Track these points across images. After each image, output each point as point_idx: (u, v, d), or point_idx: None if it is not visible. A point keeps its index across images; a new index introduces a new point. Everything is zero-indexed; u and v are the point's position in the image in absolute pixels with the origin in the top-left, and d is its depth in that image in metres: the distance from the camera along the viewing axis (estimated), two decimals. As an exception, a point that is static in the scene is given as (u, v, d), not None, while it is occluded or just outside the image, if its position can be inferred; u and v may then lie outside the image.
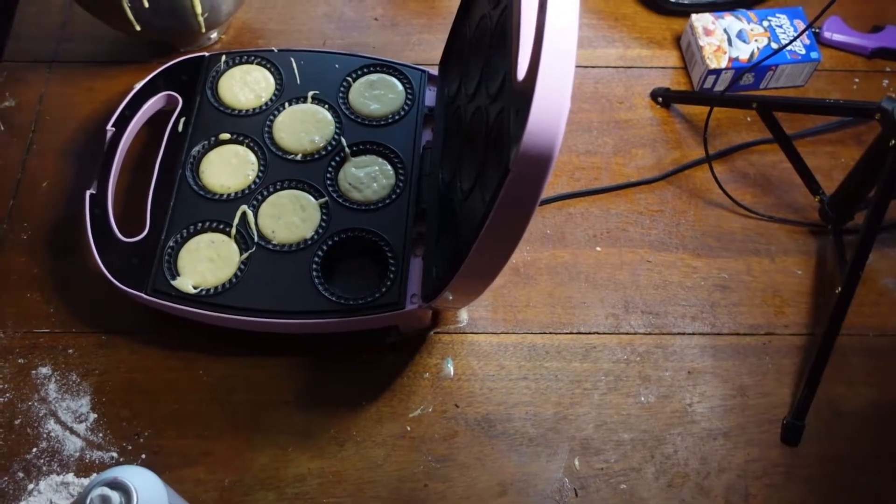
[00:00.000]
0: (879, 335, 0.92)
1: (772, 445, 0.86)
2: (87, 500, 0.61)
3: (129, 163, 0.97)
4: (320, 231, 0.89)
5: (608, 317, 0.93)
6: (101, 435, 0.85)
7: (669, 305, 0.94)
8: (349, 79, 0.99)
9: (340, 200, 0.91)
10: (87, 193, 0.89)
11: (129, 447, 0.84)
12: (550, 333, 0.92)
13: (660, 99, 1.07)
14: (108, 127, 0.94)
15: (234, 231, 0.88)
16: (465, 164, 0.79)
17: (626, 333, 0.92)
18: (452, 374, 0.89)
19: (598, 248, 0.97)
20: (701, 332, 0.92)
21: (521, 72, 0.63)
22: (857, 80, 1.11)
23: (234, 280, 0.86)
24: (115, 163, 0.92)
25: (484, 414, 0.87)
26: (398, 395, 0.88)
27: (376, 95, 0.98)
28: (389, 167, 0.93)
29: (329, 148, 0.94)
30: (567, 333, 0.92)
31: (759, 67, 1.04)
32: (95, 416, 0.86)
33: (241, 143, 0.94)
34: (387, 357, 0.90)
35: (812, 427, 0.86)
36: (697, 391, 0.89)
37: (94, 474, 0.82)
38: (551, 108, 0.56)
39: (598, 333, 0.92)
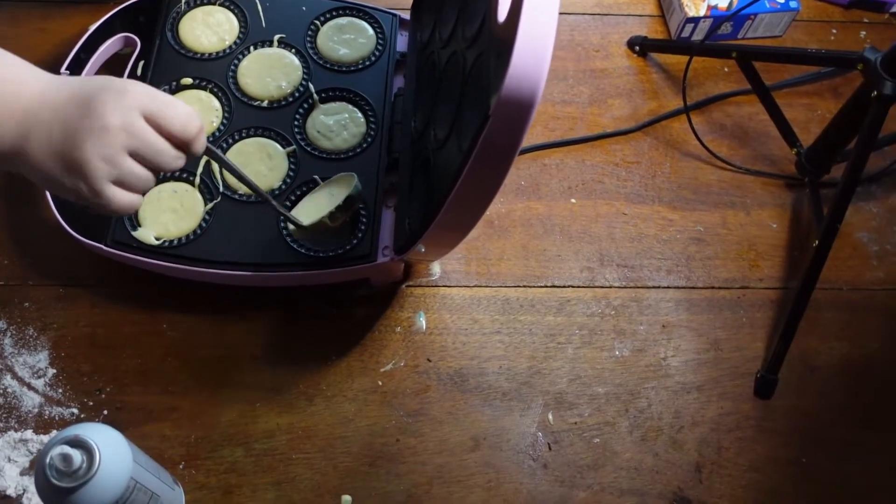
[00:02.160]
0: (853, 289, 0.92)
1: (744, 399, 0.86)
2: (47, 460, 0.59)
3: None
4: (288, 181, 0.85)
5: (583, 270, 0.91)
6: (60, 391, 0.82)
7: (645, 259, 0.92)
8: (317, 22, 0.95)
9: (309, 149, 0.87)
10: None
11: (91, 403, 0.81)
12: (524, 287, 0.90)
13: (637, 48, 1.04)
14: (62, 70, 0.89)
15: (197, 180, 0.84)
16: (439, 112, 0.76)
17: (601, 287, 0.91)
18: (424, 328, 0.87)
19: (573, 200, 0.95)
20: (676, 285, 0.91)
21: (502, 14, 0.60)
22: (834, 30, 1.09)
23: (198, 231, 0.82)
24: (71, 107, 0.87)
25: (457, 368, 0.85)
26: (369, 349, 0.86)
27: (346, 40, 0.94)
28: (360, 115, 0.90)
29: (296, 94, 0.90)
30: (541, 287, 0.90)
31: (737, 16, 1.01)
32: (54, 371, 0.83)
33: (203, 89, 0.90)
34: (357, 310, 0.87)
35: (784, 381, 0.86)
36: (672, 345, 0.88)
37: (55, 431, 0.79)
38: (534, 51, 0.54)
39: (573, 287, 0.90)
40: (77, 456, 0.59)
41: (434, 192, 0.72)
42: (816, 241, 0.83)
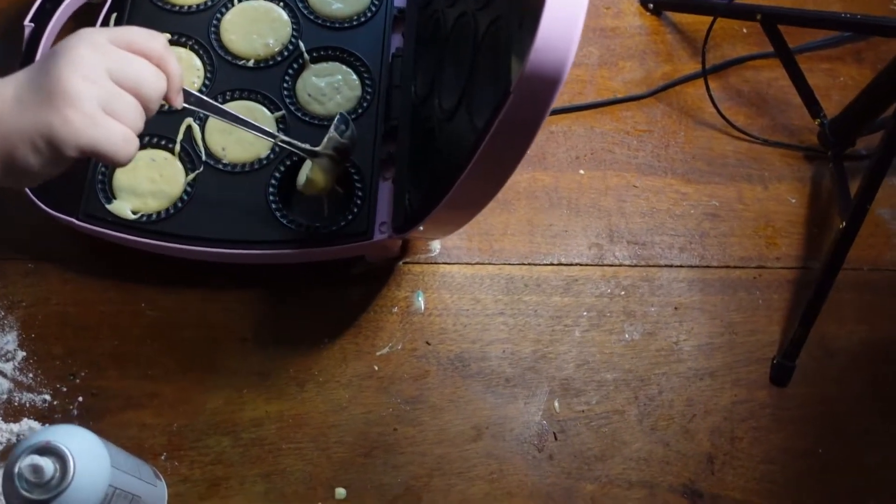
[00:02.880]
0: (873, 269, 0.87)
1: (759, 386, 0.81)
2: (16, 469, 0.53)
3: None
4: (276, 149, 0.78)
5: (591, 247, 0.86)
6: (31, 375, 0.76)
7: (656, 235, 0.87)
8: (307, -28, 0.87)
9: (299, 114, 0.80)
10: (5, 100, 0.77)
11: (64, 388, 0.75)
12: (529, 265, 0.84)
13: (650, 5, 0.97)
14: (27, 22, 0.81)
15: (178, 148, 0.77)
16: (445, 80, 0.70)
17: (611, 265, 0.85)
18: (423, 308, 0.82)
19: (582, 172, 0.89)
20: (689, 264, 0.86)
21: (526, -26, 0.53)
22: (859, -14, 1.03)
23: (178, 205, 0.76)
24: (36, 65, 0.79)
25: (457, 352, 0.80)
26: (364, 331, 0.80)
27: (339, -7, 0.86)
28: (355, 77, 0.83)
29: (285, 53, 0.83)
30: (547, 265, 0.85)
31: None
32: (24, 353, 0.76)
33: (183, 45, 0.82)
34: (352, 289, 0.82)
35: (801, 366, 0.82)
36: (684, 328, 0.83)
37: (25, 419, 0.74)
38: (564, 20, 0.48)
39: (581, 265, 0.85)
40: (49, 465, 0.53)
41: (440, 169, 0.66)
42: (843, 224, 0.78)
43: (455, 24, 0.69)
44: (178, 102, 0.61)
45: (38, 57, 0.80)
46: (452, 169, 0.59)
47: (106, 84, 0.53)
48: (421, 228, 0.69)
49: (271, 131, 0.70)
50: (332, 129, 0.73)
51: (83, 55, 0.53)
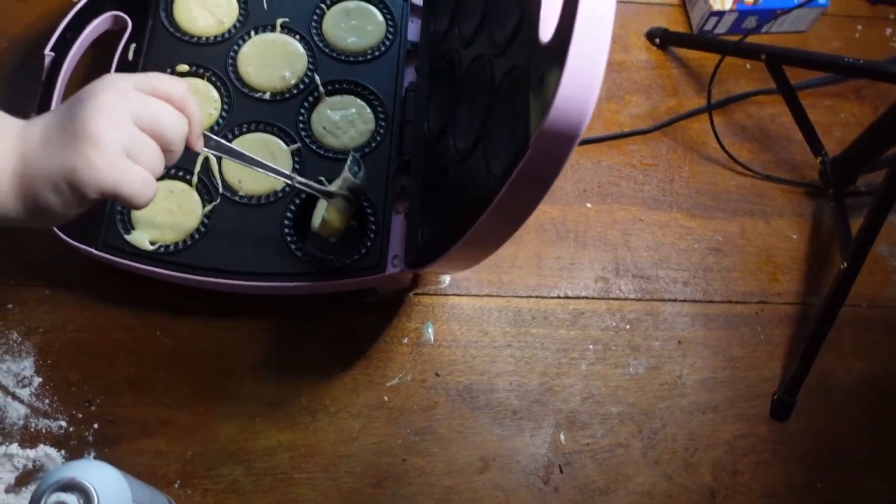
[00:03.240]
0: (872, 306, 0.89)
1: (760, 420, 0.83)
2: (41, 506, 0.54)
3: (70, 87, 0.85)
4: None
5: (598, 280, 0.87)
6: (47, 401, 0.77)
7: (661, 269, 0.89)
8: (322, 6, 0.88)
9: (314, 147, 0.82)
10: (25, 130, 0.78)
11: (80, 415, 0.76)
12: (537, 297, 0.86)
13: (657, 40, 0.99)
14: (47, 52, 0.82)
15: (195, 179, 0.79)
16: (460, 121, 0.71)
17: (616, 299, 0.87)
18: (433, 339, 0.83)
19: (589, 205, 0.91)
20: (693, 298, 0.88)
21: (547, 31, 0.55)
22: (859, 27, 1.05)
23: (195, 236, 0.77)
24: (56, 95, 0.81)
25: (466, 384, 0.82)
26: (375, 361, 0.82)
27: (353, 27, 0.87)
28: (369, 110, 0.84)
29: (301, 86, 0.84)
30: (554, 297, 0.86)
31: (763, 11, 0.97)
32: (40, 379, 0.78)
33: (201, 77, 0.83)
34: (363, 319, 0.83)
35: (801, 401, 0.83)
36: (687, 362, 0.85)
37: (41, 445, 0.75)
38: (583, 82, 0.49)
39: (587, 298, 0.87)
40: (74, 501, 0.54)
41: (455, 209, 0.68)
42: (844, 264, 0.80)
43: (470, 66, 0.71)
44: (199, 146, 0.63)
45: (57, 86, 0.81)
46: (468, 211, 0.61)
47: (130, 129, 0.55)
48: (440, 267, 0.70)
49: (288, 173, 0.71)
50: (345, 170, 0.74)
51: (109, 101, 0.54)
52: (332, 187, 0.74)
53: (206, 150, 0.64)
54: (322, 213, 0.74)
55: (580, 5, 0.49)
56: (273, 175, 0.70)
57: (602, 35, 0.49)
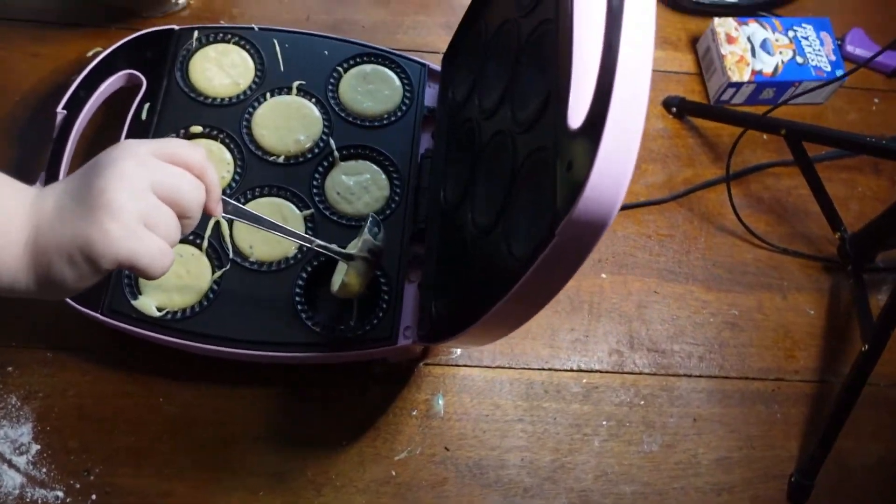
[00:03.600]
0: (891, 385, 0.87)
1: (777, 503, 0.81)
2: None
3: (81, 148, 0.84)
4: (304, 249, 0.78)
5: (612, 353, 0.86)
6: (44, 470, 0.74)
7: (676, 343, 0.87)
8: (339, 69, 0.88)
9: (328, 213, 0.80)
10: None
11: (77, 485, 0.74)
12: (550, 370, 0.84)
13: (673, 109, 0.98)
14: (59, 109, 0.81)
15: (205, 244, 0.77)
16: (478, 195, 0.70)
17: (631, 373, 0.85)
18: (443, 412, 0.81)
19: (604, 275, 0.89)
20: (708, 374, 0.86)
21: (577, 118, 0.53)
22: (876, 99, 1.04)
23: (204, 303, 0.75)
24: (67, 153, 0.79)
25: (476, 459, 0.79)
26: (383, 434, 0.79)
27: (370, 91, 0.87)
28: (384, 176, 0.83)
29: (316, 150, 0.83)
30: (567, 370, 0.84)
31: (780, 83, 0.96)
32: (38, 447, 0.75)
33: (214, 139, 0.83)
34: (371, 389, 0.81)
35: (818, 483, 0.81)
36: (703, 440, 0.83)
37: (36, 516, 0.72)
38: (615, 171, 0.48)
39: (601, 372, 0.85)
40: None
41: (472, 286, 0.66)
42: (865, 346, 0.78)
43: (491, 140, 0.70)
44: (218, 212, 0.61)
45: (68, 145, 0.80)
46: (488, 291, 0.59)
47: (148, 197, 0.53)
48: (449, 342, 0.68)
49: (307, 236, 0.70)
50: (365, 231, 0.73)
51: (127, 168, 0.52)
52: (353, 249, 0.73)
53: (225, 215, 0.62)
54: (342, 276, 0.73)
55: (614, 95, 0.48)
56: (292, 239, 0.68)
57: (635, 125, 0.48)
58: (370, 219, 0.74)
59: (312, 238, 0.71)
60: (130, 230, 0.51)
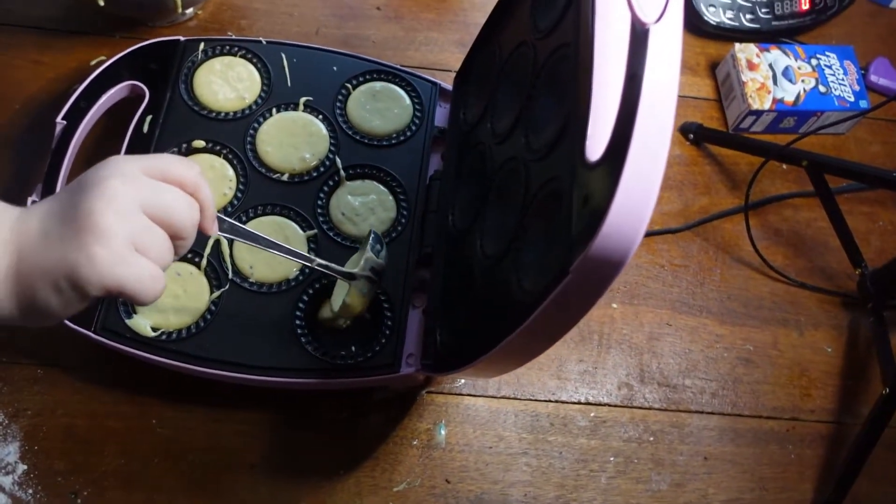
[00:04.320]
0: (909, 428, 0.84)
1: (790, 548, 0.78)
2: None
3: (80, 159, 0.81)
4: (306, 270, 0.76)
5: (621, 387, 0.83)
6: (30, 491, 0.72)
7: (688, 378, 0.84)
8: (348, 85, 0.85)
9: (331, 234, 0.78)
10: (29, 201, 0.74)
11: (64, 509, 0.72)
12: (556, 402, 0.81)
13: (691, 136, 0.96)
14: (59, 120, 0.79)
15: (204, 262, 0.75)
16: (489, 223, 0.67)
17: (640, 408, 0.82)
18: (444, 442, 0.78)
19: (615, 305, 0.86)
20: (721, 411, 0.83)
21: (596, 150, 0.51)
22: (900, 131, 1.01)
23: (201, 324, 0.73)
24: (65, 165, 0.77)
25: (478, 493, 0.76)
26: (382, 464, 0.76)
27: (379, 109, 0.84)
28: (390, 197, 0.81)
29: (321, 169, 0.80)
30: (575, 403, 0.82)
31: (802, 112, 0.93)
32: (25, 467, 0.73)
33: (217, 154, 0.80)
34: (371, 417, 0.78)
35: (833, 529, 0.78)
36: (713, 480, 0.80)
37: (20, 540, 0.70)
38: (634, 210, 0.45)
39: (609, 405, 0.82)
40: None
41: (480, 318, 0.63)
42: (886, 390, 0.75)
43: (503, 166, 0.67)
44: (213, 231, 0.59)
45: (67, 156, 0.77)
46: (496, 324, 0.57)
47: (138, 219, 0.50)
48: (454, 374, 0.66)
49: (307, 255, 0.67)
50: (367, 249, 0.70)
51: (115, 188, 0.49)
52: (354, 268, 0.70)
53: (220, 233, 0.60)
54: (343, 296, 0.70)
55: (637, 126, 0.45)
56: (291, 258, 0.65)
57: (659, 159, 0.46)
58: (371, 235, 0.71)
59: (312, 257, 0.68)
60: (119, 255, 0.48)
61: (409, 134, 0.84)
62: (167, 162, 0.54)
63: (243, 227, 0.62)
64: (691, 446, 0.81)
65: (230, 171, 0.79)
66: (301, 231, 0.77)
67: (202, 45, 0.84)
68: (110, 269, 0.48)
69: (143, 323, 0.72)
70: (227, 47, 0.85)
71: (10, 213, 0.50)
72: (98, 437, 0.74)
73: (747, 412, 0.83)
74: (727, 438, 0.82)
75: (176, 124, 0.81)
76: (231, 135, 0.81)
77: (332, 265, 0.69)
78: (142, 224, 0.50)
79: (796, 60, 0.95)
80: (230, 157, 0.80)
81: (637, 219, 0.46)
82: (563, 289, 0.49)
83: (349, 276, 0.70)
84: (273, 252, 0.64)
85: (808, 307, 0.89)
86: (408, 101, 0.85)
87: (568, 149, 0.56)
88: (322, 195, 0.79)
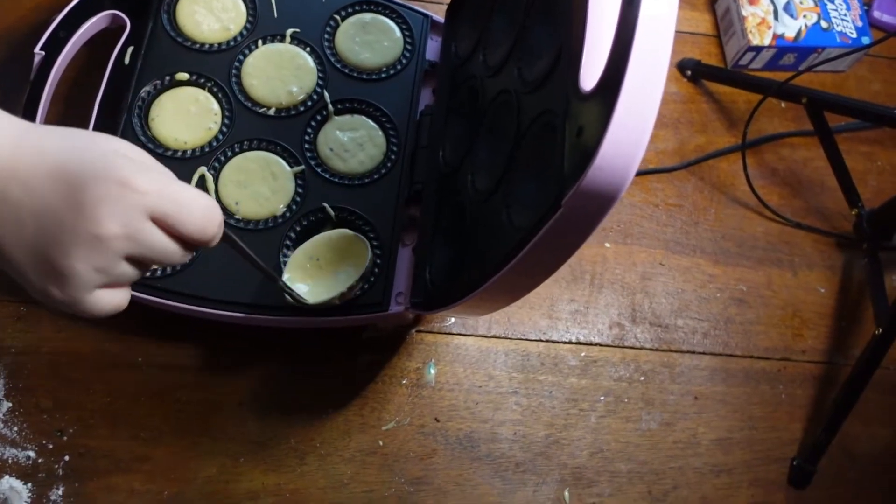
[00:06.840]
0: (902, 369, 0.84)
1: (777, 487, 0.78)
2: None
3: (60, 91, 0.79)
4: (294, 207, 0.74)
5: (613, 326, 0.82)
6: (15, 429, 0.71)
7: (680, 318, 0.83)
8: (337, 17, 0.82)
9: (319, 170, 0.76)
10: (8, 134, 0.72)
11: (50, 445, 0.71)
12: (547, 341, 0.81)
13: (688, 72, 0.93)
14: (37, 50, 0.76)
15: (189, 198, 0.73)
16: (480, 158, 0.66)
17: (631, 347, 0.82)
18: (434, 382, 0.78)
19: (608, 245, 0.85)
20: (712, 351, 0.82)
21: (589, 81, 0.49)
22: (900, 69, 0.99)
23: (187, 262, 0.71)
24: (44, 97, 0.75)
25: (467, 431, 0.76)
26: (371, 403, 0.76)
27: (369, 41, 0.82)
28: (380, 133, 0.78)
29: (309, 103, 0.78)
30: (566, 342, 0.81)
31: (802, 48, 0.91)
32: (10, 404, 0.72)
33: (202, 87, 0.78)
34: (360, 356, 0.78)
35: (820, 468, 0.78)
36: (703, 419, 0.80)
37: (6, 476, 0.69)
38: (628, 142, 0.44)
39: (601, 345, 0.81)
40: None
41: (471, 255, 0.62)
42: (879, 330, 0.74)
43: (495, 99, 0.65)
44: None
45: (46, 87, 0.75)
46: (486, 261, 0.56)
47: (116, 269, 0.44)
48: (443, 311, 0.65)
49: (275, 275, 0.64)
50: (336, 294, 0.69)
51: (107, 239, 0.42)
52: (311, 297, 0.69)
53: None
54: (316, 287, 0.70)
55: (633, 55, 0.44)
56: (263, 274, 0.62)
57: (654, 90, 0.44)
58: (345, 288, 0.70)
59: (276, 276, 0.65)
60: (78, 300, 0.44)
61: (399, 68, 0.81)
62: (183, 203, 0.45)
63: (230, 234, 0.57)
64: (682, 386, 0.81)
65: (215, 105, 0.77)
66: (288, 167, 0.75)
67: (185, -27, 0.81)
68: (66, 307, 0.44)
69: (127, 259, 0.70)
70: (211, -24, 0.82)
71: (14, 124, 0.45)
72: (84, 376, 0.74)
73: (739, 352, 0.83)
74: (718, 378, 0.81)
75: (158, 56, 0.78)
76: (215, 67, 0.78)
77: (294, 293, 0.67)
78: (118, 272, 0.44)
79: (799, -6, 0.93)
80: (215, 90, 0.77)
81: (631, 151, 0.44)
82: (554, 223, 0.48)
83: (307, 305, 0.68)
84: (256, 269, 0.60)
85: (803, 247, 0.88)
86: (398, 33, 0.83)
87: (562, 80, 0.54)
88: (310, 130, 0.77)
